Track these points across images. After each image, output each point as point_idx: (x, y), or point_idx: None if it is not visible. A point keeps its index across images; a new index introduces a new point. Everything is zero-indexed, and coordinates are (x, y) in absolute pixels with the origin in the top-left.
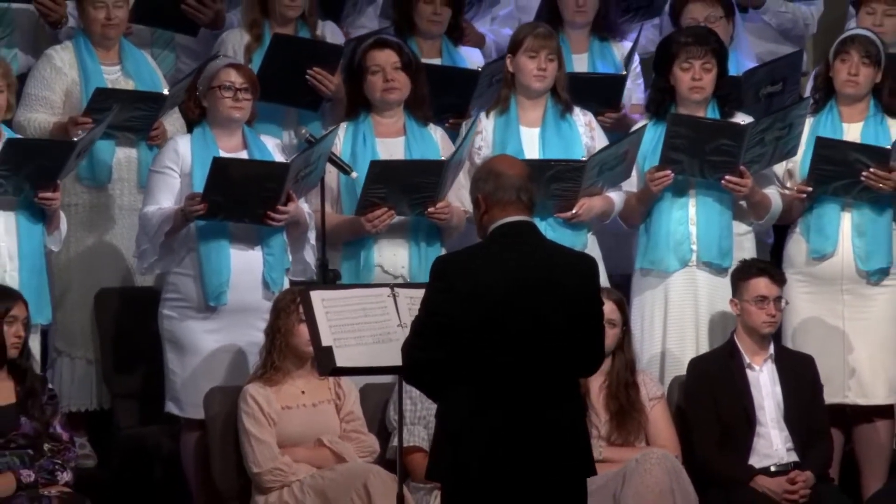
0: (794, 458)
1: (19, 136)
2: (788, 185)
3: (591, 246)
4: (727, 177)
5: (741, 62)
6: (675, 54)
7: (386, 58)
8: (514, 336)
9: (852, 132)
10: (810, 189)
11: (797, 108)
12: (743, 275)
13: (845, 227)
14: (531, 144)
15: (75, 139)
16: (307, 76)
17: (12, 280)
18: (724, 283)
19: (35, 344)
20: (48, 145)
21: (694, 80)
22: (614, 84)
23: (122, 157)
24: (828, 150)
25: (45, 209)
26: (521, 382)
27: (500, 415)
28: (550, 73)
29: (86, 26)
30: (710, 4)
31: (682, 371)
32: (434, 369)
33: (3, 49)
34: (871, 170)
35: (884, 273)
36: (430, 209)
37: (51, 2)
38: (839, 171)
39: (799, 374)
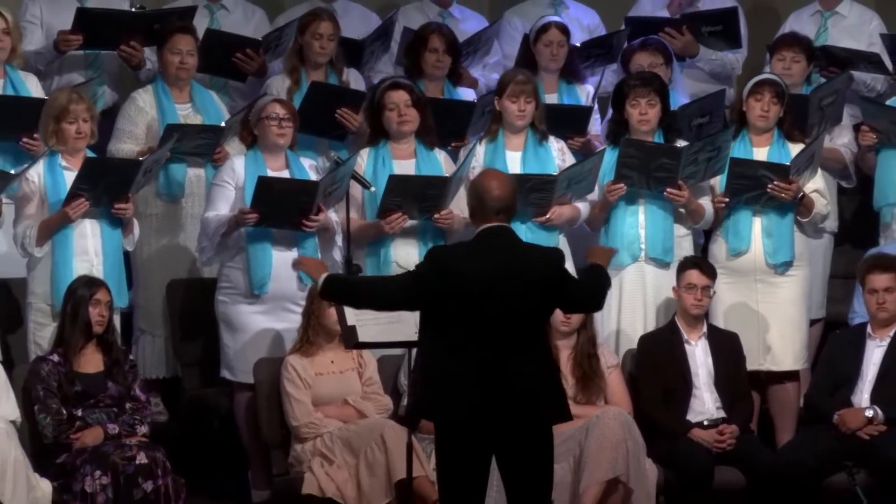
0: (722, 414)
1: (96, 156)
2: (709, 196)
3: (562, 245)
4: (668, 189)
5: (678, 99)
6: (627, 94)
7: (399, 96)
8: (488, 312)
9: (760, 154)
10: (727, 199)
11: (723, 134)
12: (681, 267)
13: (756, 229)
14: (514, 166)
15: (141, 159)
16: (336, 115)
17: (98, 272)
18: (667, 275)
19: (116, 324)
20: (119, 163)
21: (641, 114)
22: (583, 114)
23: (193, 175)
24: (740, 167)
25: (120, 217)
26: (489, 343)
27: (475, 367)
28: (528, 112)
29: (163, 68)
30: (652, 54)
31: (634, 345)
32: (389, 300)
33: (96, 86)
34: (776, 182)
35: (788, 265)
36: (436, 216)
37: (131, 49)
38: (750, 185)
39: (726, 348)
